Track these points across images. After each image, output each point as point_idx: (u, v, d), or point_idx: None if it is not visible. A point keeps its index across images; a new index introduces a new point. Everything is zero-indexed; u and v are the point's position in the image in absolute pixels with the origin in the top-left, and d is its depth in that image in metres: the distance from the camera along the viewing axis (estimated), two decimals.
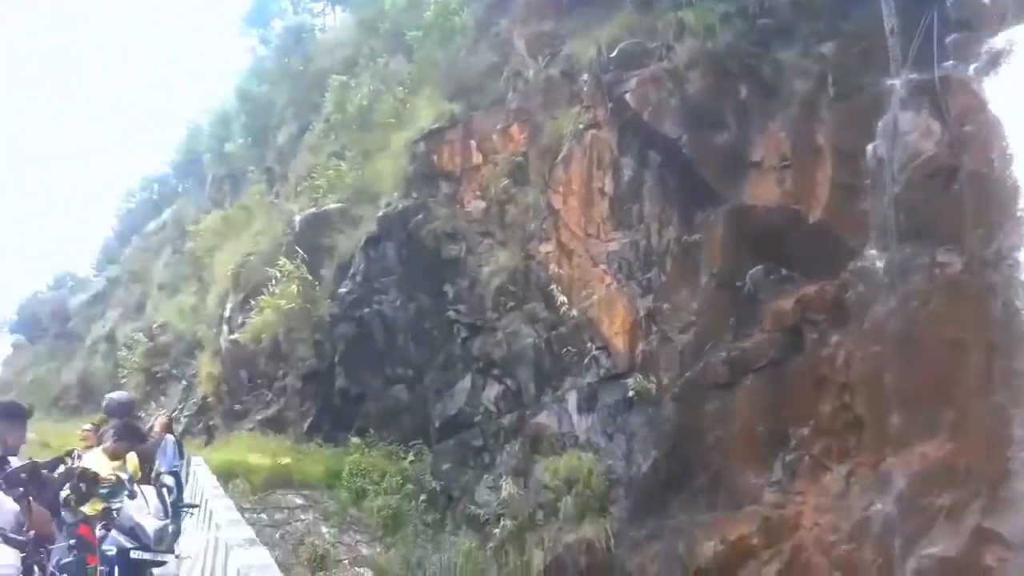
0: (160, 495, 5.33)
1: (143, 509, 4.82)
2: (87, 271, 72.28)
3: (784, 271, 9.57)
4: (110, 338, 44.08)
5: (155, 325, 32.44)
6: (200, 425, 19.34)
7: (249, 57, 34.52)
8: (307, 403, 12.88)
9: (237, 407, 15.33)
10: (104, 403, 7.31)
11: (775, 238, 9.60)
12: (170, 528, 4.98)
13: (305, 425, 12.47)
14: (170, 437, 8.34)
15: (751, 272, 9.64)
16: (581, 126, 10.46)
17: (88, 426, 8.07)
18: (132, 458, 5.19)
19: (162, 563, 4.74)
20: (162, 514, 5.02)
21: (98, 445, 5.68)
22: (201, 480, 7.88)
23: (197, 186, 44.61)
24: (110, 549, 4.34)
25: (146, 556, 4.51)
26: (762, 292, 9.60)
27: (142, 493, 4.92)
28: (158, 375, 29.36)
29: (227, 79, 39.58)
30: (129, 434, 5.28)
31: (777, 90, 9.75)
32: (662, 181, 10.38)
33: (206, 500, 6.76)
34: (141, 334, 32.08)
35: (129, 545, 4.39)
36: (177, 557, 5.38)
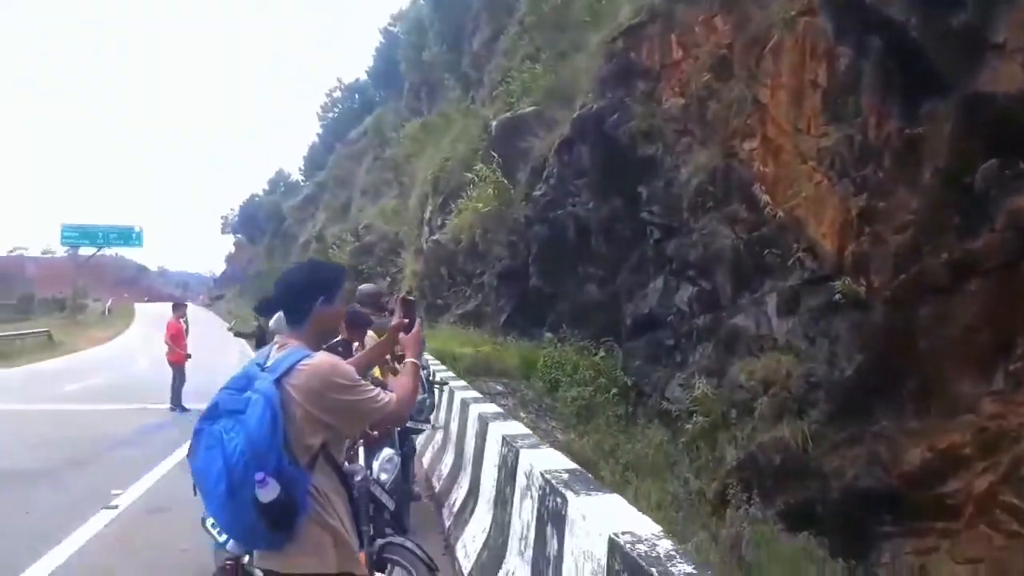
0: None
1: None
2: (296, 175, 79.08)
3: (1023, 165, 8.64)
4: (319, 238, 48.56)
5: (360, 226, 35.26)
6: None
7: None
8: (503, 300, 13.57)
9: (439, 302, 16.46)
10: (356, 294, 8.40)
11: (1014, 129, 8.63)
12: (427, 401, 5.74)
13: (501, 320, 13.18)
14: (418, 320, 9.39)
15: (984, 167, 8.79)
16: (793, 13, 9.77)
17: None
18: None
19: (421, 431, 5.41)
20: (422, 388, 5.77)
21: None
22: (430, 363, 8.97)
23: (394, 94, 46.85)
24: None
25: (409, 425, 5.19)
26: (995, 189, 8.73)
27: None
28: (364, 272, 32.10)
29: None
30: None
31: None
32: (884, 70, 9.54)
33: (442, 379, 7.70)
34: (348, 234, 35.03)
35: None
36: (432, 427, 6.22)
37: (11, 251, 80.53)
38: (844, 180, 9.80)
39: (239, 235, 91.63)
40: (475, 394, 7.56)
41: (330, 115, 70.62)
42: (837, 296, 9.20)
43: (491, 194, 14.10)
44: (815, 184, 9.96)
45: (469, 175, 15.96)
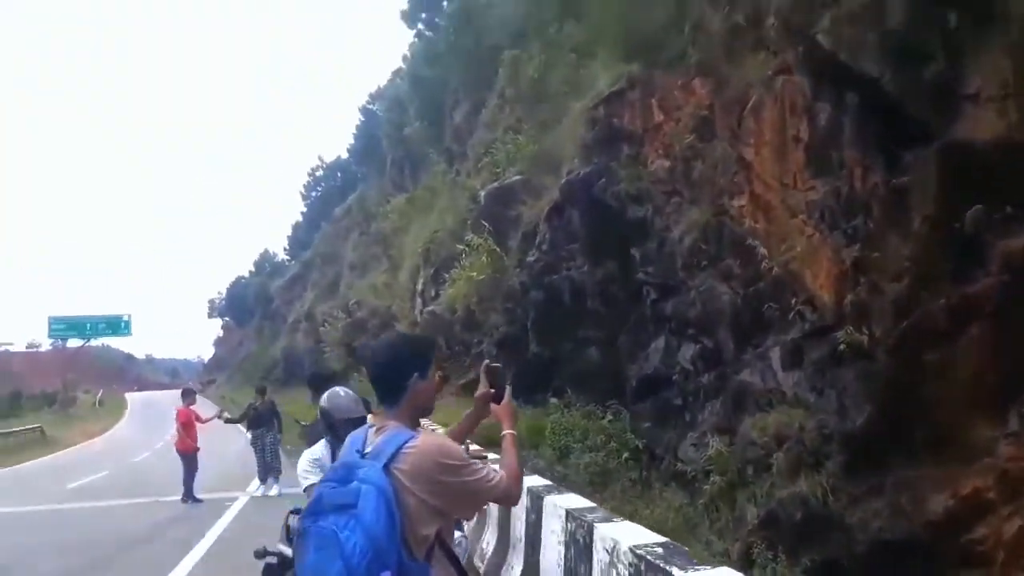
0: None
1: None
2: (281, 254, 79.43)
3: (1009, 209, 8.76)
4: (309, 316, 48.50)
5: (351, 302, 35.21)
6: None
7: (414, 42, 36.04)
8: (503, 367, 13.46)
9: (439, 373, 16.32)
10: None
11: (995, 174, 8.79)
12: None
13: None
14: None
15: (970, 212, 8.91)
16: (770, 72, 10.04)
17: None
18: None
19: None
20: None
21: None
22: None
23: (376, 170, 47.52)
24: None
25: None
26: (985, 233, 8.83)
27: None
28: (356, 348, 31.92)
29: (393, 64, 41.48)
30: None
31: (992, 15, 8.84)
32: (863, 123, 9.77)
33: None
34: (339, 311, 34.94)
35: None
36: None
37: None
38: (835, 232, 9.92)
39: (227, 318, 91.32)
40: None
41: (313, 193, 71.41)
42: (841, 347, 9.18)
43: (484, 262, 14.21)
44: (807, 237, 10.08)
45: (460, 245, 16.10)
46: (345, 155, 66.45)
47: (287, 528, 4.52)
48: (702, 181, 10.94)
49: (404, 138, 33.36)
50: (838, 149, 10.05)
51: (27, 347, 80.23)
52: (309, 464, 4.25)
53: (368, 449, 2.26)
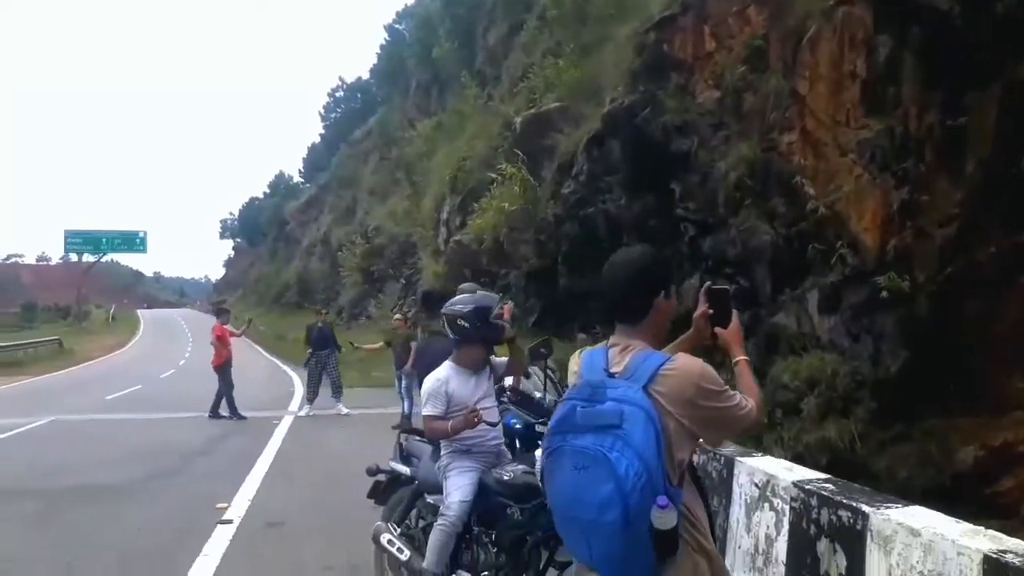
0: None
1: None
2: (296, 177, 79.69)
3: None
4: (325, 241, 49.04)
5: (370, 228, 35.53)
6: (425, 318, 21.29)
7: None
8: (531, 300, 13.76)
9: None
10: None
11: None
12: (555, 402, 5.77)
13: (531, 321, 13.35)
14: None
15: None
16: (831, 2, 9.94)
17: (399, 315, 10.26)
18: None
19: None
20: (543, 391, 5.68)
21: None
22: None
23: (400, 92, 47.18)
24: (516, 422, 5.14)
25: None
26: None
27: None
28: (374, 274, 32.44)
29: None
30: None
31: None
32: (925, 60, 9.70)
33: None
34: (358, 236, 35.32)
35: (534, 419, 5.11)
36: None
37: (6, 258, 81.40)
38: (885, 173, 9.97)
39: (239, 239, 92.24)
40: None
41: (333, 115, 71.08)
42: (882, 292, 9.32)
43: (517, 192, 14.31)
44: (856, 178, 10.13)
45: (491, 174, 16.17)
46: (367, 76, 65.93)
47: (400, 447, 4.86)
48: (752, 114, 10.94)
49: (432, 59, 33.05)
50: (896, 86, 10.03)
51: (37, 260, 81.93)
52: (435, 386, 4.16)
53: (616, 368, 2.21)
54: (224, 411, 12.58)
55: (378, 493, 5.05)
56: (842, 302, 10.11)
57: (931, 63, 9.67)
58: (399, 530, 4.48)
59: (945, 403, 8.87)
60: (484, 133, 19.72)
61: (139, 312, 68.36)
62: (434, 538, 4.02)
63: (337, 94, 71.46)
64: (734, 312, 2.49)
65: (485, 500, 4.05)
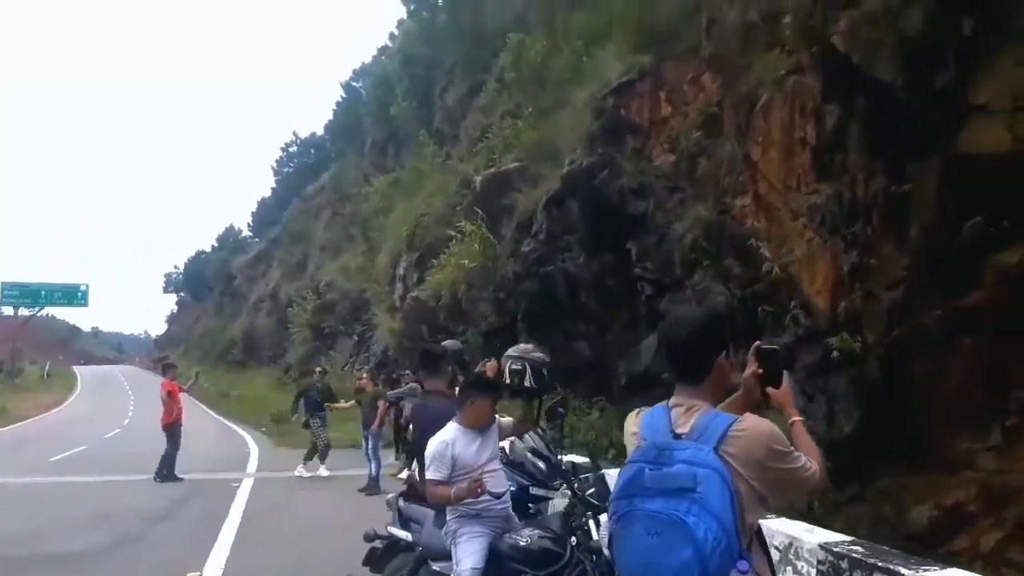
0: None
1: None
2: (245, 231, 79.16)
3: (1006, 223, 9.27)
4: (273, 296, 48.61)
5: (321, 283, 35.37)
6: (382, 376, 21.12)
7: (406, 20, 36.20)
8: (490, 359, 13.78)
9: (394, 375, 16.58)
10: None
11: (996, 188, 9.30)
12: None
13: None
14: None
15: (968, 224, 9.41)
16: (782, 72, 10.49)
17: (364, 374, 10.23)
18: None
19: (550, 498, 5.34)
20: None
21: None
22: None
23: (355, 149, 47.58)
24: (511, 485, 4.96)
25: (540, 492, 5.14)
26: (982, 247, 9.34)
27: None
28: (325, 330, 32.19)
29: (379, 40, 41.48)
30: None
31: (1006, 24, 9.35)
32: (870, 129, 10.26)
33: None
34: (309, 292, 35.13)
35: (527, 482, 5.09)
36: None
37: None
38: (835, 237, 10.43)
39: (183, 294, 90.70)
40: None
41: (286, 170, 71.10)
42: (834, 353, 9.64)
43: (476, 249, 14.52)
44: (807, 241, 10.57)
45: (449, 231, 16.40)
46: (320, 132, 66.39)
47: (398, 512, 4.81)
48: (706, 178, 11.37)
49: (389, 117, 33.57)
50: (843, 154, 10.57)
51: None
52: (439, 448, 4.10)
53: (682, 430, 2.22)
54: (181, 473, 12.21)
55: (374, 560, 4.97)
56: (796, 362, 10.43)
57: (875, 132, 10.25)
58: None
59: (897, 464, 9.15)
60: (442, 191, 20.03)
61: (75, 368, 66.04)
62: None
63: (291, 148, 71.70)
64: (784, 372, 2.48)
65: (497, 566, 4.02)
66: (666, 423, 2.26)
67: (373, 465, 10.73)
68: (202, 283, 78.85)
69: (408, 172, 25.60)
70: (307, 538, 8.39)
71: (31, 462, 15.19)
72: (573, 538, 3.89)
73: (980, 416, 8.82)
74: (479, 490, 3.96)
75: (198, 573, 6.82)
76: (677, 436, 2.20)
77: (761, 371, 2.48)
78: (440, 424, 4.37)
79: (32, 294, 53.46)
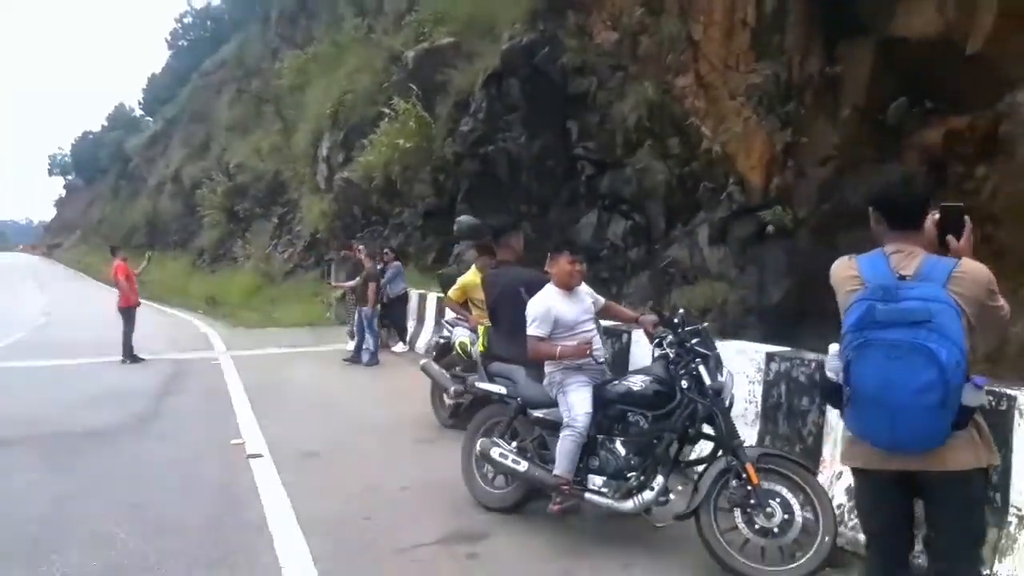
0: None
1: None
2: (137, 110, 74.80)
3: (930, 104, 9.92)
4: (175, 179, 46.83)
5: (231, 164, 34.15)
6: (311, 260, 21.11)
7: None
8: (429, 238, 14.07)
9: (353, 242, 16.61)
10: (456, 227, 9.27)
11: (924, 70, 9.93)
12: None
13: (429, 259, 13.69)
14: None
15: (894, 104, 10.07)
16: None
17: (362, 250, 10.37)
18: None
19: None
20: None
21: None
22: None
23: (258, 21, 45.07)
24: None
25: None
26: (906, 125, 10.02)
27: None
28: (239, 214, 31.34)
29: None
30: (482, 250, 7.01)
31: None
32: (807, 10, 10.67)
33: None
34: (218, 173, 33.93)
35: None
36: None
37: None
38: (771, 116, 11.00)
39: (71, 177, 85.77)
40: None
41: (180, 43, 66.80)
42: (769, 227, 10.36)
43: (412, 129, 14.44)
44: (744, 120, 11.11)
45: (381, 109, 16.15)
46: (217, 2, 62.36)
47: (483, 370, 5.30)
48: (648, 57, 11.65)
49: None
50: (781, 34, 11.00)
51: None
52: (542, 308, 4.57)
53: (905, 272, 2.58)
54: (144, 354, 11.97)
55: (459, 414, 5.80)
56: (729, 236, 11.16)
57: (813, 14, 10.69)
58: (513, 443, 4.88)
59: (824, 326, 10.10)
60: (367, 67, 19.51)
61: None
62: (564, 447, 4.43)
63: (185, 20, 67.21)
64: (967, 226, 2.73)
65: (602, 410, 4.46)
66: (886, 267, 2.65)
67: (371, 339, 10.92)
68: (93, 165, 74.59)
69: (326, 47, 24.64)
70: (318, 405, 8.51)
71: None
72: (684, 382, 4.24)
73: None
74: (587, 352, 4.48)
75: (240, 440, 6.84)
76: (901, 278, 2.57)
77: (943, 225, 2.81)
78: (518, 289, 5.12)
79: None
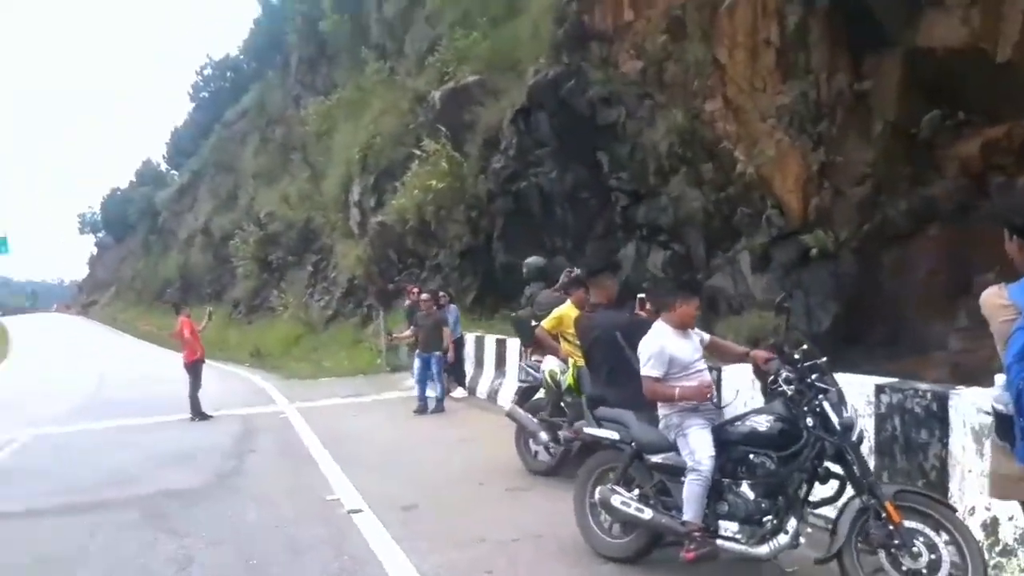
0: None
1: None
2: (162, 163, 76.44)
3: (963, 115, 9.89)
4: (205, 231, 47.62)
5: (262, 214, 34.76)
6: (350, 306, 21.37)
7: None
8: (467, 279, 14.23)
9: (390, 287, 16.85)
10: (524, 269, 9.57)
11: (954, 81, 9.93)
12: None
13: (468, 300, 13.83)
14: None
15: (927, 117, 10.06)
16: None
17: (425, 295, 10.55)
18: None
19: None
20: None
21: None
22: None
23: (278, 69, 46.04)
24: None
25: None
26: (940, 138, 9.99)
27: None
28: (272, 263, 31.84)
29: None
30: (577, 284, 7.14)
31: None
32: (830, 26, 10.75)
33: None
34: (249, 224, 34.55)
35: None
36: None
37: None
38: (803, 136, 11.05)
39: (102, 234, 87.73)
40: None
41: (202, 95, 68.40)
42: (812, 250, 10.34)
43: (444, 169, 14.68)
44: (776, 142, 11.17)
45: (413, 150, 16.45)
46: (235, 53, 63.76)
47: (591, 415, 5.22)
48: (675, 83, 11.80)
49: (318, 33, 32.50)
50: (806, 52, 11.08)
51: None
52: (657, 348, 4.57)
53: None
54: (209, 411, 12.10)
55: (567, 461, 6.04)
56: (772, 261, 11.16)
57: (837, 29, 10.76)
58: (634, 492, 4.80)
59: (873, 350, 10.01)
60: (393, 109, 19.91)
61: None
62: (691, 492, 4.37)
63: (205, 71, 68.84)
64: None
65: (724, 452, 4.44)
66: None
67: (439, 387, 10.96)
68: (123, 222, 76.14)
69: (350, 91, 25.14)
70: (403, 456, 8.56)
71: (46, 413, 14.09)
72: (808, 419, 4.19)
73: (946, 301, 9.67)
74: (708, 395, 4.51)
75: (335, 496, 6.89)
76: None
77: None
78: (613, 333, 5.20)
79: None
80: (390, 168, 18.66)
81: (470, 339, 12.49)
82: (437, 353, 11.01)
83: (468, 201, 14.32)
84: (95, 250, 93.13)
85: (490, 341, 11.85)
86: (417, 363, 11.49)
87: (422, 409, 11.06)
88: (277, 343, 23.21)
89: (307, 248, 28.54)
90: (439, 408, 10.94)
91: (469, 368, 12.48)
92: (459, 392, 12.13)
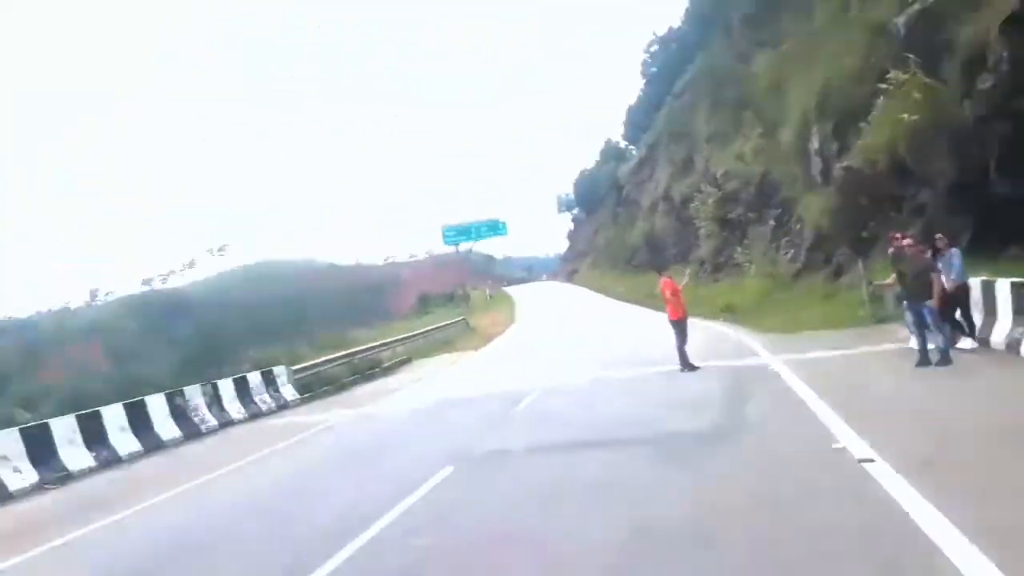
0: None
1: None
2: (621, 141, 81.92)
3: None
4: (666, 197, 49.82)
5: (719, 174, 35.17)
6: (819, 258, 20.65)
7: None
8: (958, 218, 12.62)
9: (864, 234, 15.72)
10: None
11: None
12: None
13: (964, 241, 12.18)
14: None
15: None
16: None
17: (908, 239, 10.26)
18: None
19: None
20: None
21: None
22: None
23: (720, 33, 45.76)
24: None
25: None
26: None
27: None
28: (732, 221, 32.12)
29: None
30: None
31: None
32: None
33: None
34: (706, 186, 35.26)
35: None
36: None
37: (386, 260, 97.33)
38: None
39: (576, 211, 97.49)
40: None
41: (652, 71, 71.30)
42: None
43: (917, 100, 13.21)
44: None
45: (868, 88, 15.14)
46: (676, 24, 64.95)
47: None
48: None
49: None
50: None
51: (409, 257, 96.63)
52: None
53: None
54: (697, 362, 12.89)
55: None
56: None
57: None
58: None
59: None
60: (850, 48, 18.46)
61: (504, 289, 76.11)
62: None
63: (651, 48, 71.56)
64: None
65: None
66: None
67: (940, 337, 10.28)
68: (593, 198, 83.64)
69: (797, 40, 23.91)
70: (905, 409, 8.15)
71: (587, 368, 15.43)
72: None
73: None
74: None
75: (841, 444, 6.79)
76: None
77: None
78: None
79: (465, 232, 63.06)
80: (851, 110, 17.33)
81: (975, 284, 11.00)
82: (928, 303, 10.01)
83: (951, 131, 12.65)
84: (571, 226, 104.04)
85: (1002, 285, 10.30)
86: (908, 315, 10.73)
87: (924, 362, 10.10)
88: (746, 298, 23.25)
89: (767, 203, 28.09)
90: (945, 360, 9.88)
91: (977, 317, 11.00)
92: (966, 343, 10.81)
